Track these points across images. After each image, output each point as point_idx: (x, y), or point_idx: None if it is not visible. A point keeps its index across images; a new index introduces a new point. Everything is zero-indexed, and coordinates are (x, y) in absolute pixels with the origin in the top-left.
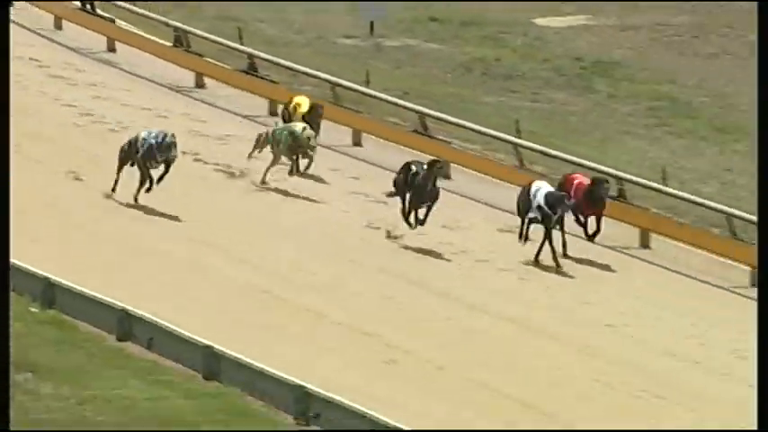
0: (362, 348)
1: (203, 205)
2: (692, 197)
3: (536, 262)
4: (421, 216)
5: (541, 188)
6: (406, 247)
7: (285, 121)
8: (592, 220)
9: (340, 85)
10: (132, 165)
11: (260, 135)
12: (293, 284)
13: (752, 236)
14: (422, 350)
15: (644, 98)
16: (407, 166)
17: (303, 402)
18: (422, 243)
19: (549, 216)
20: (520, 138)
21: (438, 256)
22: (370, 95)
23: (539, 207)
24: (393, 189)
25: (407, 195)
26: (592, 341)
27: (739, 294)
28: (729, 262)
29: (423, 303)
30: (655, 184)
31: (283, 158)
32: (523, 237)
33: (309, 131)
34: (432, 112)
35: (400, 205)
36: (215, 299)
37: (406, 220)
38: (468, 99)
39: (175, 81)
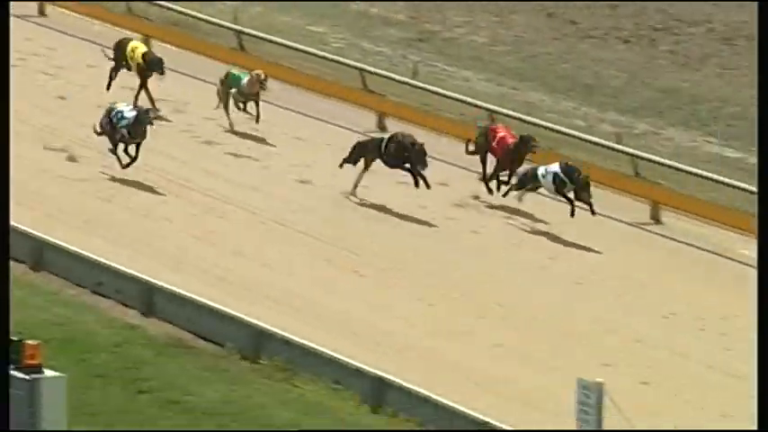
0: None
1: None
2: None
3: (572, 211)
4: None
5: (550, 166)
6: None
7: (117, 63)
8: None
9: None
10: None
11: (218, 89)
12: None
13: None
14: None
15: None
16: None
17: None
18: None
19: (565, 183)
20: None
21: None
22: None
23: (555, 174)
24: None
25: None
26: None
27: None
28: None
29: None
30: None
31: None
32: (512, 194)
33: (255, 78)
34: None
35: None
36: None
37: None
38: None
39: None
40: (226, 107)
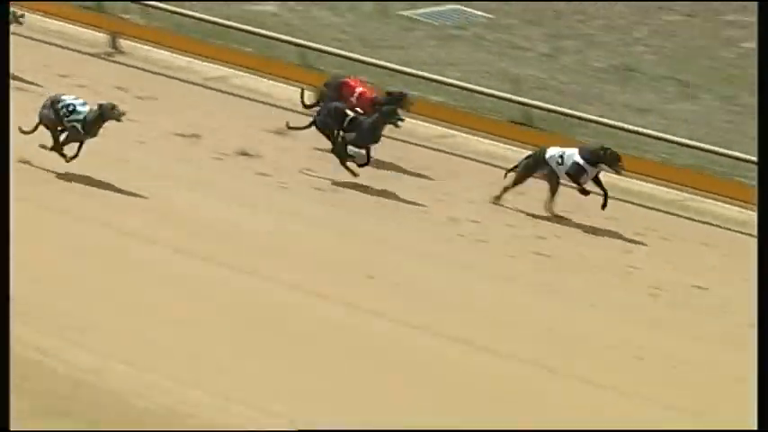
0: None
1: None
2: None
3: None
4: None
5: (566, 151)
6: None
7: None
8: None
9: None
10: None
11: None
12: None
13: None
14: None
15: None
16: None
17: None
18: None
19: (585, 172)
20: None
21: None
22: None
23: (575, 163)
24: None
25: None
26: None
27: None
28: None
29: None
30: None
31: None
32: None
33: None
34: None
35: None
36: None
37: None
38: None
39: None
40: None
